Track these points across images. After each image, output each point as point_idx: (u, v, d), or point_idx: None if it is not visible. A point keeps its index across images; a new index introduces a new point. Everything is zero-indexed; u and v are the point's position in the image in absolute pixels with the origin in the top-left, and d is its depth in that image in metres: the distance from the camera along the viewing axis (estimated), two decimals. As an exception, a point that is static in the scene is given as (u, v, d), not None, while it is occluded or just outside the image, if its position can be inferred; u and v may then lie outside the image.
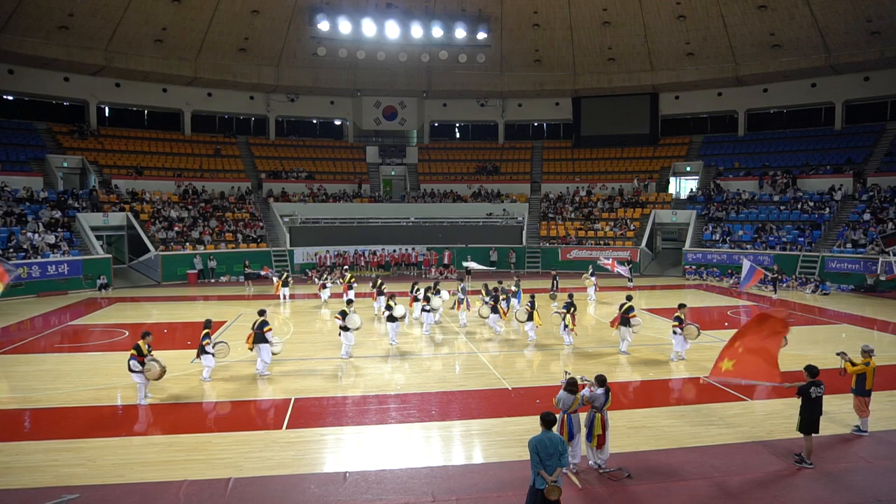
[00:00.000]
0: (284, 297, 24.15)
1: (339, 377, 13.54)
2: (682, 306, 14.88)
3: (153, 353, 11.77)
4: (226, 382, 13.04)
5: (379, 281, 21.21)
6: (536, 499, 6.67)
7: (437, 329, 18.56)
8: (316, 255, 32.70)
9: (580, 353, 15.60)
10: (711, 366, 10.04)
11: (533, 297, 17.72)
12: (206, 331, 12.99)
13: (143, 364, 11.41)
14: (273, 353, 13.79)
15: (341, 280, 23.06)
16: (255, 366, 13.69)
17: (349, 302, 16.24)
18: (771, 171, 34.80)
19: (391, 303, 16.99)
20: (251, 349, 13.58)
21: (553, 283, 24.41)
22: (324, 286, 23.47)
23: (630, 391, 12.50)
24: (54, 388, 12.51)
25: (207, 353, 12.88)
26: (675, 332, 14.58)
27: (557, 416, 8.69)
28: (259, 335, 13.34)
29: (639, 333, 16.20)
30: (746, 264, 23.45)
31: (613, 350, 15.81)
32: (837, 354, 10.10)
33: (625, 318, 15.29)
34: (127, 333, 17.83)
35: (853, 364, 9.92)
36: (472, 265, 28.12)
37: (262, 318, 13.55)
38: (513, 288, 20.71)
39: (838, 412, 10.49)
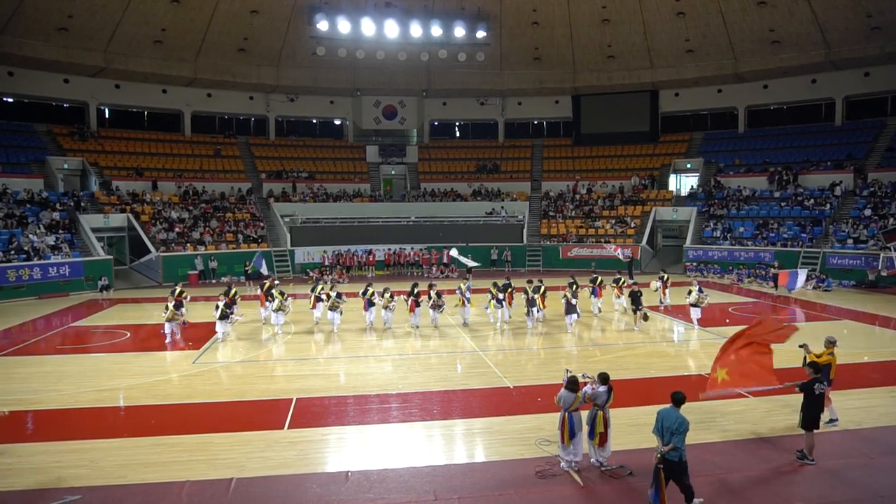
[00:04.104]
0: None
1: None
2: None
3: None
4: (227, 382, 13.08)
5: (370, 290, 18.50)
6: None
7: (436, 327, 18.54)
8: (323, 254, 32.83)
9: (581, 352, 15.61)
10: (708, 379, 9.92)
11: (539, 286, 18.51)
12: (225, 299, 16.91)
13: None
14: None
15: (337, 280, 22.72)
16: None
17: (339, 295, 17.74)
18: (772, 168, 34.76)
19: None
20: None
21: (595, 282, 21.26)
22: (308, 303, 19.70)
23: (631, 388, 12.47)
24: (56, 390, 12.52)
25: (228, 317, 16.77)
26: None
27: (558, 414, 8.72)
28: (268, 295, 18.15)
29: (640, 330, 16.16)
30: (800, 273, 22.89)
31: (615, 349, 15.85)
32: (800, 346, 10.11)
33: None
34: (129, 335, 17.85)
35: (818, 356, 9.90)
36: (468, 262, 25.61)
37: (267, 284, 18.67)
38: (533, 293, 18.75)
39: (838, 408, 10.45)
